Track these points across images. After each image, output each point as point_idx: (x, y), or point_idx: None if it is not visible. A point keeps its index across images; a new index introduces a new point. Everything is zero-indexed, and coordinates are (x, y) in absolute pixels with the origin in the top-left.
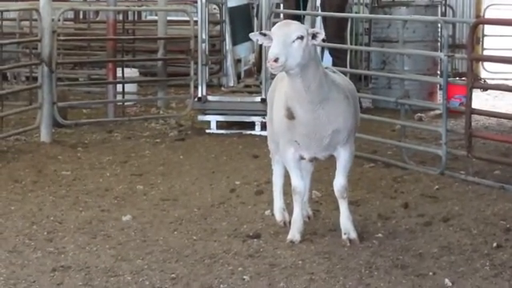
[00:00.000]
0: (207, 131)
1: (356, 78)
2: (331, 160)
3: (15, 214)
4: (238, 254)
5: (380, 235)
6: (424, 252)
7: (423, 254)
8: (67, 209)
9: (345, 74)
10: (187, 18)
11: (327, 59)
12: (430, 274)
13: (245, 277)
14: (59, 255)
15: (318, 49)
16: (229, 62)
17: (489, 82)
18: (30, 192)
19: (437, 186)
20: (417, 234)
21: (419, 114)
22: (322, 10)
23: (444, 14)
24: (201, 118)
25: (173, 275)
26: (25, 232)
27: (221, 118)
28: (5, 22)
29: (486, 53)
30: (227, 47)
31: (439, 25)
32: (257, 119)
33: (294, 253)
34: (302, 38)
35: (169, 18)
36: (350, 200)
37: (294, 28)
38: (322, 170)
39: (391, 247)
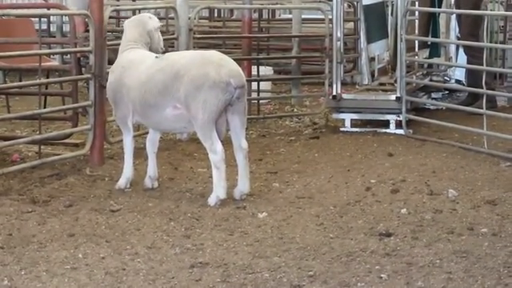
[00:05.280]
0: (341, 129)
1: (491, 76)
2: (464, 159)
3: (153, 210)
4: (375, 252)
5: None
6: None
7: None
8: (204, 205)
9: (480, 72)
10: (321, 16)
11: (462, 57)
12: None
13: (382, 275)
14: (197, 252)
15: (453, 47)
16: (363, 60)
17: None
18: (167, 189)
19: None
20: None
21: None
22: (456, 8)
23: None
24: (335, 116)
25: (310, 272)
26: (163, 228)
27: (355, 116)
28: None
29: None
30: (362, 45)
31: None
32: (391, 117)
33: (431, 252)
34: None
35: (303, 16)
36: (487, 199)
37: None
38: (458, 168)
39: None
